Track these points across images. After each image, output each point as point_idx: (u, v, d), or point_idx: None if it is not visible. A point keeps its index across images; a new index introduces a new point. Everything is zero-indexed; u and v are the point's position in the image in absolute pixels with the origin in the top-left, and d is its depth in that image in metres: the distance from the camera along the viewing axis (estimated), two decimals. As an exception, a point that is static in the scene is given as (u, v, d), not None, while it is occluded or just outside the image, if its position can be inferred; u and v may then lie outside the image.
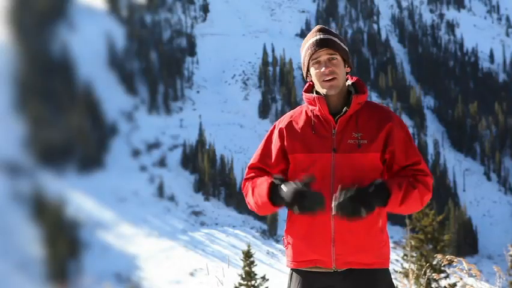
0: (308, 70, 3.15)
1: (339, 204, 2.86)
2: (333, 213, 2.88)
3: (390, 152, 3.07)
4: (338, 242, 3.01)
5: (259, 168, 3.19)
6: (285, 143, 3.13)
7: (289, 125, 3.16)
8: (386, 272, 3.11)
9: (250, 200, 3.13)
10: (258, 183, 3.09)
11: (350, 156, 3.03)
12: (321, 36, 3.09)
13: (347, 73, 3.15)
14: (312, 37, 3.12)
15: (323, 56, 3.07)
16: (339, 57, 3.09)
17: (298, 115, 3.18)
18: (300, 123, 3.14)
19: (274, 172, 3.14)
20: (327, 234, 3.01)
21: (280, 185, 2.97)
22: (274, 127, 3.21)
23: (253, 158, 3.22)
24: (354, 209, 2.85)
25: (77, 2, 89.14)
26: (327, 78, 3.05)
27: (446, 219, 53.03)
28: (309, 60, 3.11)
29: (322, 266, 3.05)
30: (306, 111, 3.17)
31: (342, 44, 3.11)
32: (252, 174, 3.19)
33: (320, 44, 3.07)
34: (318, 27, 3.15)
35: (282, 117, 3.24)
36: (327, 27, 3.15)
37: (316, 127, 3.10)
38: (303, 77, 3.42)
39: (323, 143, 3.06)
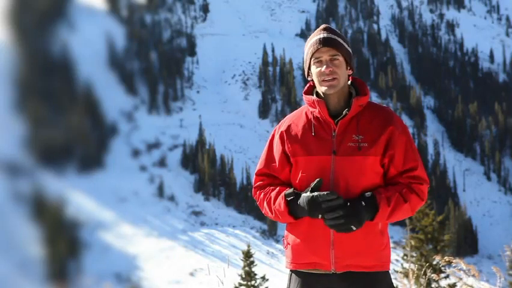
0: (309, 68, 3.11)
1: (330, 224, 2.89)
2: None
3: (390, 156, 3.04)
4: (337, 245, 2.99)
5: (267, 175, 3.18)
6: (286, 146, 3.12)
7: (290, 128, 3.14)
8: (386, 275, 3.09)
9: (269, 214, 3.13)
10: (272, 197, 3.09)
11: (349, 159, 3.00)
12: (325, 35, 3.05)
13: (348, 75, 3.12)
14: (316, 35, 3.07)
15: (325, 55, 3.03)
16: (341, 58, 3.04)
17: (298, 117, 3.16)
18: (300, 126, 3.12)
19: (281, 176, 3.14)
20: (326, 237, 3.00)
21: (296, 200, 2.98)
22: (275, 131, 3.20)
23: (259, 164, 3.21)
24: (345, 228, 2.88)
25: (77, 2, 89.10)
26: (327, 79, 3.02)
27: (446, 219, 52.90)
28: (310, 58, 3.07)
29: (321, 269, 3.03)
30: (306, 113, 3.15)
31: (345, 45, 3.07)
32: (261, 181, 3.19)
33: (322, 43, 3.03)
34: (323, 26, 3.10)
35: (283, 120, 3.22)
36: (332, 27, 3.10)
37: (316, 129, 3.08)
38: (304, 77, 3.40)
39: (322, 146, 3.04)
